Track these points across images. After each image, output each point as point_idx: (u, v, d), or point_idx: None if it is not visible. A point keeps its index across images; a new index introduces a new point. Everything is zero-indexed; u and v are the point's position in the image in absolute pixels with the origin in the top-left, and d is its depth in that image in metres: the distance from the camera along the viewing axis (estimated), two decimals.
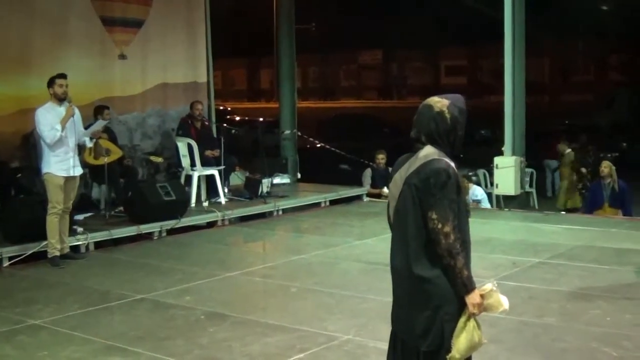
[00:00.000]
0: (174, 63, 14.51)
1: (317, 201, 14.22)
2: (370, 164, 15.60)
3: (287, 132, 16.75)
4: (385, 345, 4.39)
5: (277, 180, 14.94)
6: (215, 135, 14.21)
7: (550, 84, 49.93)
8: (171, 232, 11.46)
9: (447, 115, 4.14)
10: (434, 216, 3.97)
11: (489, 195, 14.92)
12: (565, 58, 47.28)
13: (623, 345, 6.45)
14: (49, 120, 9.29)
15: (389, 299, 4.32)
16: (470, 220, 4.23)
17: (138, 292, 8.32)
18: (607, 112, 34.57)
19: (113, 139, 12.38)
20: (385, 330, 4.44)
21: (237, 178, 14.40)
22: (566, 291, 8.17)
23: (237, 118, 32.31)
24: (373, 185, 15.08)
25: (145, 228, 11.11)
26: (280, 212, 13.34)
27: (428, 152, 4.10)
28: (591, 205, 13.57)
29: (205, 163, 13.06)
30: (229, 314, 7.54)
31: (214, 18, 15.60)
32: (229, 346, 6.60)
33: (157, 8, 14.17)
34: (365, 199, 14.81)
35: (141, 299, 8.11)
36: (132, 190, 11.82)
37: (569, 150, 17.11)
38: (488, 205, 14.22)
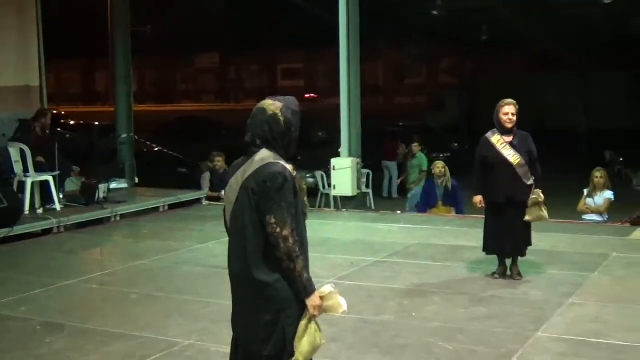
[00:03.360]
0: (4, 66, 14.02)
1: (155, 206, 14.05)
2: (209, 166, 15.55)
3: (124, 136, 16.49)
4: (228, 349, 4.40)
5: (114, 185, 14.68)
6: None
7: (384, 86, 51.03)
8: (4, 241, 11.08)
9: (281, 118, 4.17)
10: (273, 220, 4.00)
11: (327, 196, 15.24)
12: (399, 61, 48.40)
13: (458, 339, 6.70)
14: None
15: (231, 302, 4.34)
16: (308, 221, 4.30)
17: None
18: (438, 113, 35.71)
19: None
20: (228, 334, 4.45)
21: (73, 184, 14.04)
22: (403, 289, 8.41)
23: (72, 122, 31.46)
24: (212, 189, 15.05)
25: None
26: (119, 218, 13.12)
27: (264, 155, 4.12)
28: (425, 204, 13.96)
29: (39, 169, 12.68)
30: (66, 323, 7.37)
31: (46, 18, 15.16)
32: (67, 357, 6.46)
33: None
34: (205, 202, 14.77)
35: None
36: None
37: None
38: None
